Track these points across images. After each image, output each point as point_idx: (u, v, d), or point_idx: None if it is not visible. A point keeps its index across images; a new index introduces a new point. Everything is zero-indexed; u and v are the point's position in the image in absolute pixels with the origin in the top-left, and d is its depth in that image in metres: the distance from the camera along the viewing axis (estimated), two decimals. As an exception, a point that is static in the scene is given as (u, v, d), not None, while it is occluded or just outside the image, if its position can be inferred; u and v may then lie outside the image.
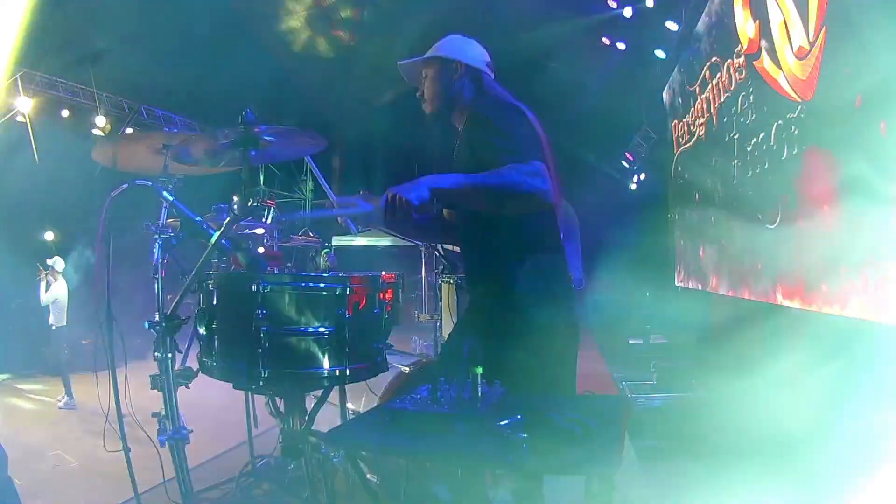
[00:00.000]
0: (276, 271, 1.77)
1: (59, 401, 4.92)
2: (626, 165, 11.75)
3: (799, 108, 3.95)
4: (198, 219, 1.85)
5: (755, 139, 4.91)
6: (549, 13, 8.80)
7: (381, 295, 1.71)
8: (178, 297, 1.86)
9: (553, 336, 1.59)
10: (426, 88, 1.79)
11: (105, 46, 7.63)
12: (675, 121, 8.42)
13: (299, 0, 10.82)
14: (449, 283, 3.26)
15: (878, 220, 3.01)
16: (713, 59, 6.12)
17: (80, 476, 3.24)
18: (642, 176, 11.51)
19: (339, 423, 2.38)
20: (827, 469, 2.86)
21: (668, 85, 8.90)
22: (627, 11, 7.28)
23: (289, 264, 2.59)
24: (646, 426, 3.33)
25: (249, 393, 2.77)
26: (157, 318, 1.90)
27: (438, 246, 3.01)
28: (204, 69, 8.90)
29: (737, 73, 5.34)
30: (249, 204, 1.77)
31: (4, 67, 6.70)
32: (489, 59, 1.81)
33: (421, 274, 4.00)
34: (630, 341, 6.23)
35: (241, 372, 1.55)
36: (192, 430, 1.98)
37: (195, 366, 1.86)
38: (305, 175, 14.07)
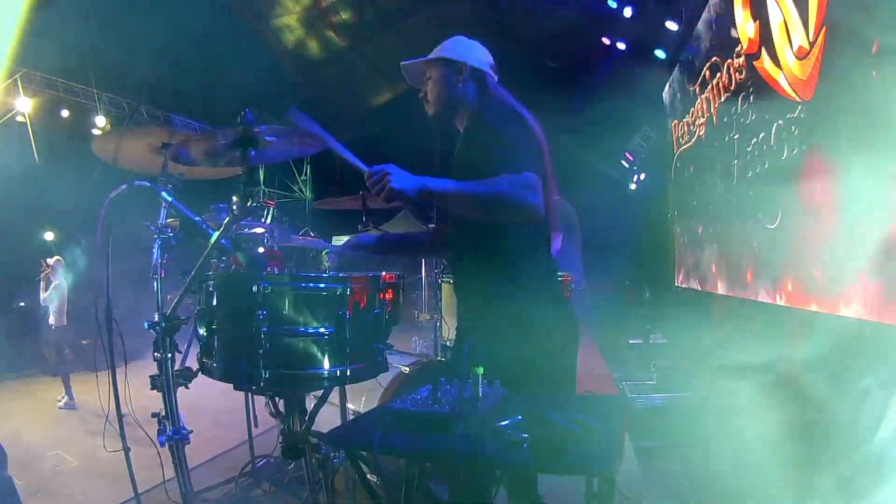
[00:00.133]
0: (276, 271, 1.77)
1: (59, 401, 4.92)
2: (626, 165, 11.75)
3: (799, 108, 3.95)
4: (197, 219, 1.85)
5: (755, 139, 4.91)
6: (549, 13, 8.79)
7: (382, 295, 1.71)
8: (178, 298, 1.85)
9: (546, 339, 1.59)
10: (429, 90, 1.77)
11: (105, 46, 7.63)
12: (675, 121, 8.42)
13: (299, 0, 10.81)
14: (449, 283, 3.26)
15: (878, 220, 3.01)
16: (713, 59, 6.12)
17: (80, 476, 3.24)
18: (642, 176, 11.51)
19: (339, 423, 2.38)
20: (827, 469, 2.85)
21: (668, 85, 8.90)
22: (627, 11, 7.27)
23: (289, 265, 2.60)
24: (646, 426, 3.33)
25: (249, 393, 2.77)
26: (156, 318, 1.90)
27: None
28: (204, 69, 8.90)
29: (737, 73, 5.34)
30: (249, 204, 1.76)
31: (4, 67, 6.70)
32: (493, 62, 1.80)
33: (421, 274, 4.01)
34: (630, 341, 6.23)
35: (241, 372, 1.55)
36: (192, 430, 1.98)
37: (195, 366, 1.86)
38: (305, 175, 14.08)
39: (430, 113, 1.80)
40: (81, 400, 4.85)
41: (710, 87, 6.31)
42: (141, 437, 2.05)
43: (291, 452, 1.74)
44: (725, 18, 5.63)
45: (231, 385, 1.62)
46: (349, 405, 2.58)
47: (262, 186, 12.41)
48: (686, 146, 7.92)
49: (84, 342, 6.22)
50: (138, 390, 2.12)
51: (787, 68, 4.07)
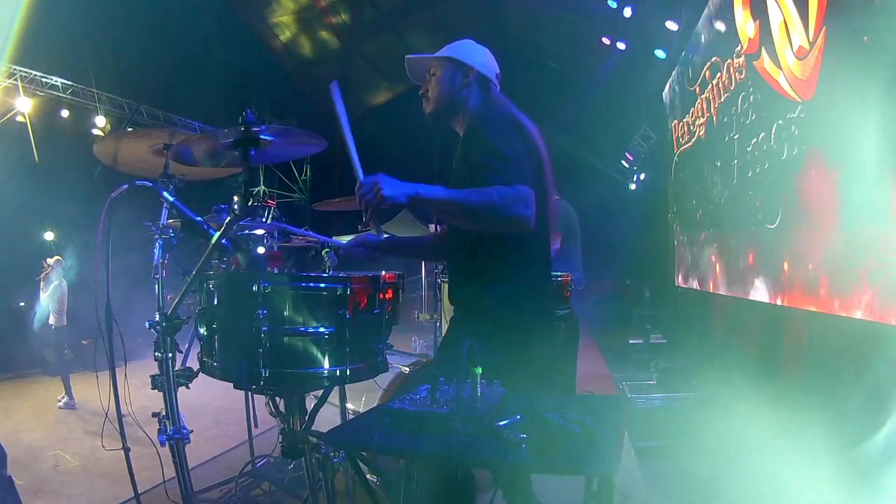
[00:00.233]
0: (276, 271, 1.77)
1: (59, 401, 4.92)
2: (626, 165, 11.74)
3: (799, 108, 3.96)
4: (198, 219, 1.85)
5: (755, 139, 4.91)
6: (549, 13, 8.80)
7: (382, 295, 1.70)
8: (178, 297, 1.86)
9: (533, 353, 1.60)
10: (432, 88, 1.75)
11: (105, 46, 7.64)
12: (675, 121, 8.42)
13: (299, 0, 10.81)
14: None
15: (878, 220, 3.01)
16: (713, 59, 6.12)
17: (80, 476, 3.24)
18: (642, 176, 11.51)
19: (339, 423, 2.38)
20: (827, 469, 2.85)
21: (668, 85, 8.90)
22: (627, 11, 7.27)
23: (289, 265, 2.60)
24: (646, 426, 3.33)
25: (249, 393, 2.77)
26: (157, 318, 1.90)
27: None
28: (204, 69, 8.91)
29: (737, 73, 5.34)
30: (249, 204, 1.77)
31: (4, 67, 6.71)
32: (499, 72, 1.79)
33: (421, 274, 4.01)
34: (630, 341, 6.23)
35: (241, 372, 1.55)
36: (192, 430, 1.98)
37: (195, 366, 1.87)
38: (305, 175, 14.09)
39: (429, 110, 1.78)
40: (81, 400, 4.85)
41: (710, 87, 6.31)
42: (141, 436, 2.05)
43: (291, 452, 1.74)
44: (725, 18, 5.63)
45: (231, 384, 1.62)
46: (349, 405, 2.58)
47: (262, 186, 12.42)
48: (686, 146, 7.92)
49: (84, 342, 6.22)
50: (138, 390, 2.12)
51: (787, 68, 4.07)
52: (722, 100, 5.92)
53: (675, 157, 8.67)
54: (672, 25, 7.15)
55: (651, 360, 4.63)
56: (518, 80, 1.86)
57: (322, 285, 1.61)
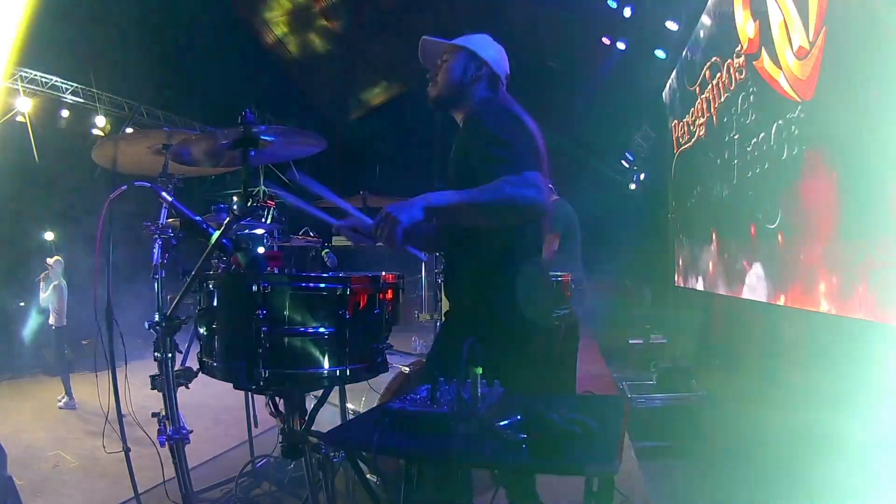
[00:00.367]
0: (276, 271, 1.77)
1: (59, 401, 4.92)
2: (626, 165, 11.75)
3: (799, 108, 3.95)
4: (198, 218, 1.85)
5: (755, 139, 4.91)
6: (549, 13, 8.79)
7: (382, 295, 1.70)
8: (178, 297, 1.85)
9: (533, 342, 1.60)
10: (442, 73, 1.74)
11: (105, 46, 7.64)
12: (675, 121, 8.42)
13: (299, 0, 10.81)
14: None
15: (878, 220, 3.01)
16: (713, 59, 6.12)
17: (80, 476, 3.24)
18: (642, 176, 11.52)
19: (339, 423, 2.38)
20: (827, 468, 2.85)
21: (668, 85, 8.90)
22: (627, 11, 7.28)
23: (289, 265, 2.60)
24: (646, 426, 3.33)
25: (249, 393, 2.77)
26: (157, 318, 1.90)
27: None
28: (204, 69, 8.90)
29: (737, 73, 5.34)
30: (249, 204, 1.77)
31: (4, 67, 6.70)
32: (509, 73, 1.79)
33: (421, 274, 4.01)
34: (630, 341, 6.23)
35: (241, 372, 1.55)
36: (192, 430, 1.98)
37: (195, 366, 1.86)
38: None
39: (433, 94, 1.77)
40: (81, 400, 4.85)
41: (710, 87, 6.31)
42: (141, 437, 2.05)
43: (291, 452, 1.74)
44: (725, 18, 5.63)
45: (231, 385, 1.62)
46: (349, 405, 2.58)
47: (262, 187, 12.42)
48: (686, 146, 7.92)
49: (84, 342, 6.22)
50: (138, 390, 2.12)
51: (787, 68, 4.07)
52: (722, 100, 5.92)
53: (675, 157, 8.68)
54: (672, 25, 7.15)
55: (651, 360, 4.63)
56: (518, 80, 1.85)
57: (322, 285, 1.61)
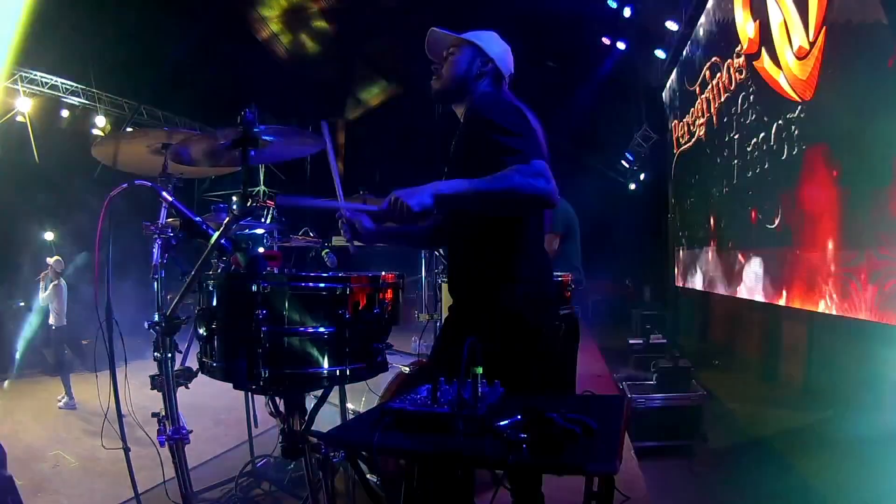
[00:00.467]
0: (275, 271, 1.77)
1: (59, 401, 4.92)
2: (626, 165, 11.75)
3: (799, 108, 3.96)
4: (197, 219, 1.85)
5: (755, 139, 4.91)
6: (549, 14, 8.79)
7: (382, 295, 1.70)
8: (177, 297, 1.85)
9: (534, 340, 1.60)
10: (447, 66, 1.74)
11: (105, 46, 7.64)
12: (675, 121, 8.42)
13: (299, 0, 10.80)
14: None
15: (877, 220, 3.01)
16: (713, 59, 6.12)
17: (80, 476, 3.24)
18: (642, 176, 11.51)
19: (339, 423, 2.38)
20: (827, 468, 2.86)
21: (668, 85, 8.90)
22: (627, 11, 7.28)
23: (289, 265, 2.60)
24: (646, 426, 3.33)
25: (249, 393, 2.77)
26: (156, 318, 1.90)
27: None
28: (204, 69, 8.90)
29: (737, 73, 5.34)
30: (249, 204, 1.76)
31: (5, 67, 6.71)
32: (513, 73, 1.79)
33: (421, 274, 4.01)
34: (630, 341, 6.23)
35: (241, 372, 1.55)
36: (191, 431, 1.98)
37: (195, 366, 1.86)
38: (305, 175, 14.08)
39: (437, 87, 1.77)
40: (81, 400, 4.85)
41: (710, 87, 6.32)
42: (141, 437, 2.05)
43: (291, 452, 1.74)
44: (725, 18, 5.63)
45: (231, 385, 1.62)
46: (349, 405, 2.58)
47: (262, 186, 12.43)
48: (686, 146, 7.92)
49: (84, 342, 6.22)
50: (138, 390, 2.12)
51: (787, 68, 4.07)
52: (722, 100, 5.92)
53: (675, 157, 8.68)
54: (672, 25, 7.15)
55: (651, 360, 4.62)
56: (518, 80, 1.85)
57: (322, 285, 1.61)
